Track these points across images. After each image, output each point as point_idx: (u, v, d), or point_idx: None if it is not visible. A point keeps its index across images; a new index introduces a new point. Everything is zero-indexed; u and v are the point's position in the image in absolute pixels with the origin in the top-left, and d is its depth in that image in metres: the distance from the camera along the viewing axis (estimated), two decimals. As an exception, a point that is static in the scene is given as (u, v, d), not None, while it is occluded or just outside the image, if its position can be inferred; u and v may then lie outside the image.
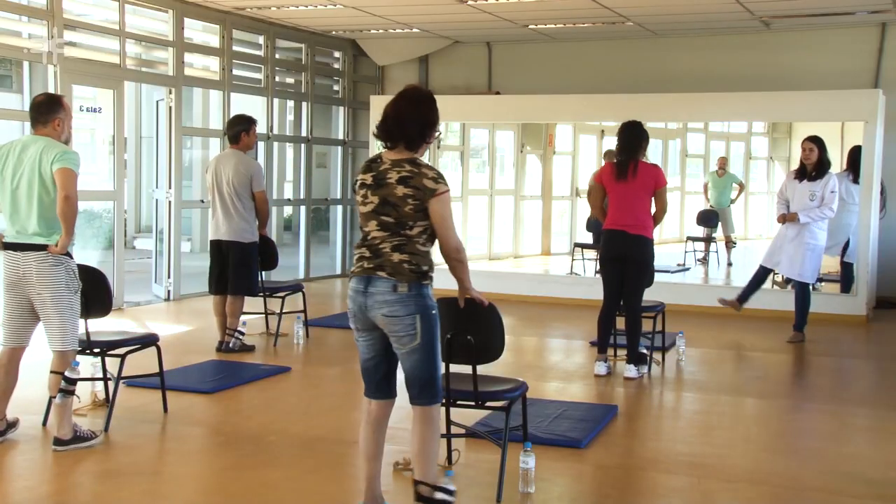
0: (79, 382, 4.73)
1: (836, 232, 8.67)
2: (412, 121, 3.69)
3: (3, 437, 4.76)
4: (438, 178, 3.64)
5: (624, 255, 6.49)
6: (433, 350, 3.67)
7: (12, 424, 4.84)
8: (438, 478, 3.74)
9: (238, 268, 7.15)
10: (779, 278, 9.41)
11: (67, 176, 4.56)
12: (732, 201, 12.90)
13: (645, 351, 6.72)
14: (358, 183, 3.74)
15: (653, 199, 6.50)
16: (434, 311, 3.67)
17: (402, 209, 3.62)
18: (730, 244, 12.81)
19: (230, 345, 7.18)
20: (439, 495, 3.67)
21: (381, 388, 3.77)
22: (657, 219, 6.56)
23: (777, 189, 11.02)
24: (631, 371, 6.50)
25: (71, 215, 4.56)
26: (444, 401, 4.19)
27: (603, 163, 9.63)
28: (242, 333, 7.29)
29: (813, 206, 7.67)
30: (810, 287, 8.08)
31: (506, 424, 4.17)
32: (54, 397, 4.68)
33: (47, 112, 4.70)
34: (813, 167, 7.72)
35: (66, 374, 4.64)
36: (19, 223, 4.62)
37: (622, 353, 7.12)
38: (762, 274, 8.19)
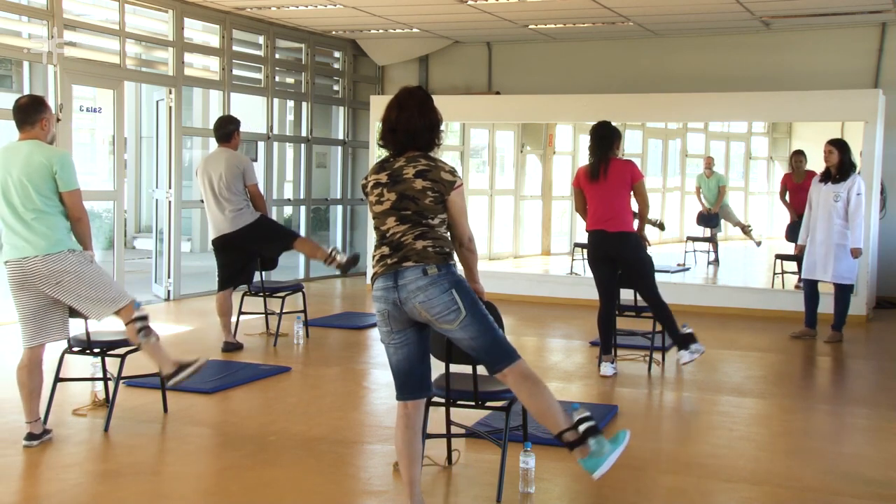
0: (76, 381, 4.74)
1: None
2: (422, 130, 3.70)
3: (40, 440, 4.75)
4: (454, 171, 3.72)
5: (609, 254, 6.49)
6: (482, 315, 3.65)
7: (47, 431, 4.85)
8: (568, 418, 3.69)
9: (261, 241, 7.17)
10: (796, 280, 9.42)
11: (77, 198, 4.71)
12: (714, 207, 12.55)
13: (689, 330, 6.55)
14: (370, 184, 3.72)
15: (633, 195, 6.48)
16: (466, 282, 3.70)
17: (422, 202, 3.64)
18: (747, 230, 12.65)
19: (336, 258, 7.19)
20: (583, 427, 3.66)
21: (416, 388, 3.74)
22: (643, 214, 6.55)
23: (777, 189, 11.06)
24: (685, 356, 6.45)
25: (87, 234, 4.79)
26: (445, 399, 4.21)
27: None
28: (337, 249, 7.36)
29: (839, 209, 7.70)
30: (849, 287, 7.99)
31: (506, 424, 4.17)
32: (138, 346, 4.84)
33: (34, 113, 4.73)
34: (835, 169, 7.75)
35: (137, 314, 4.76)
36: (22, 231, 4.61)
37: (623, 353, 7.13)
38: (809, 288, 8.11)
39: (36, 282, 4.62)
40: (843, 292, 7.96)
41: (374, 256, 3.75)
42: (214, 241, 7.26)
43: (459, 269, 3.78)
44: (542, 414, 3.66)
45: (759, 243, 12.68)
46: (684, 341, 6.48)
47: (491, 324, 3.68)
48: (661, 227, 11.05)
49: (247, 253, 7.28)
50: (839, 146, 7.78)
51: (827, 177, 7.85)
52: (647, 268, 6.53)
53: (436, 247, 3.64)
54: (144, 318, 4.81)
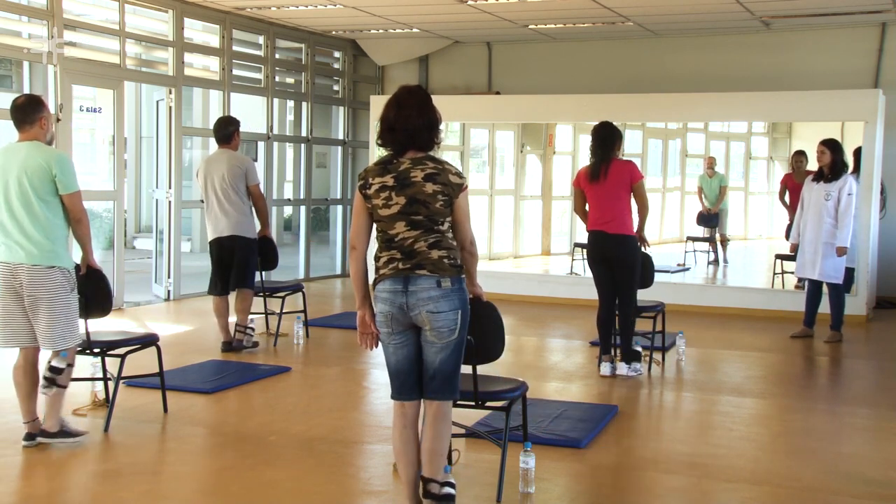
0: (76, 381, 4.71)
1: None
2: (421, 129, 3.67)
3: (35, 441, 4.74)
4: (460, 173, 3.74)
5: (607, 255, 6.50)
6: (463, 346, 3.72)
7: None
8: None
9: (241, 263, 7.15)
10: (795, 279, 9.43)
11: (77, 200, 4.68)
12: (714, 206, 12.51)
13: (639, 349, 6.69)
14: (375, 186, 3.66)
15: (633, 195, 6.48)
16: (468, 306, 3.73)
17: (433, 206, 3.64)
18: (724, 242, 12.73)
19: (243, 342, 7.19)
20: (446, 490, 3.69)
21: (415, 388, 3.76)
22: (642, 215, 6.56)
23: (777, 189, 11.05)
24: (623, 369, 6.52)
25: (87, 235, 4.75)
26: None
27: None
28: (253, 330, 7.31)
29: (830, 208, 7.76)
30: (841, 286, 8.01)
31: (506, 424, 4.17)
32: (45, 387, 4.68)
33: (32, 112, 4.71)
34: (828, 169, 7.84)
35: (52, 363, 4.66)
36: (16, 234, 4.60)
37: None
38: (812, 287, 8.13)
39: (18, 287, 4.61)
40: (835, 291, 8.00)
41: (378, 258, 3.72)
42: (212, 243, 7.25)
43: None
44: (433, 453, 3.69)
45: (718, 261, 12.59)
46: (631, 357, 6.57)
47: (461, 358, 3.76)
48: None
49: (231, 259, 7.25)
50: (831, 146, 7.87)
51: (820, 176, 7.94)
52: (633, 275, 6.53)
53: (450, 258, 3.67)
54: (60, 370, 4.68)
